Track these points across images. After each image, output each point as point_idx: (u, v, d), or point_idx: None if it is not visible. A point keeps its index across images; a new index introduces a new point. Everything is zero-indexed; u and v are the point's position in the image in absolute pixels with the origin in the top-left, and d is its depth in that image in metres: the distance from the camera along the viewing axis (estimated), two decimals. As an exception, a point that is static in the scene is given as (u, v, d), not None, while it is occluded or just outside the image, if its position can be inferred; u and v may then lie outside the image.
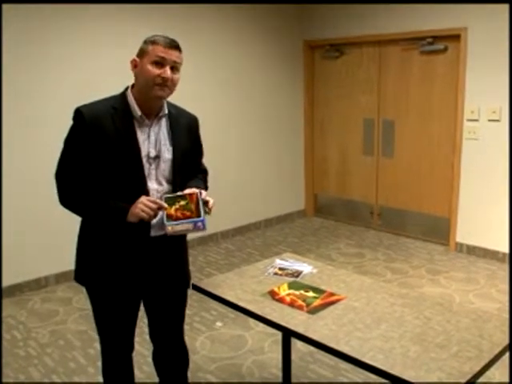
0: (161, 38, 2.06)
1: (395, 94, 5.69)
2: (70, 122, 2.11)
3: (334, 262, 5.05)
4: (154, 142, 2.14)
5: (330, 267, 2.71)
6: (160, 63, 2.03)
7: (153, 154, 2.14)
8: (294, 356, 3.22)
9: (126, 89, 2.16)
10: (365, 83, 5.93)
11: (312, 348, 2.00)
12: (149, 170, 2.13)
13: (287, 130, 6.36)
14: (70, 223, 4.57)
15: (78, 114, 2.06)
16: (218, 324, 3.83)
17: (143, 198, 2.06)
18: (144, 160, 2.11)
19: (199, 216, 2.06)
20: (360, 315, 2.13)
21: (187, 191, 2.13)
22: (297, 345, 3.40)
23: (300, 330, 2.02)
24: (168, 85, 2.06)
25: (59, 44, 4.36)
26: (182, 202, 2.07)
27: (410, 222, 5.82)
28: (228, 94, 5.66)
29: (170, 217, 2.05)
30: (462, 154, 5.14)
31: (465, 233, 5.26)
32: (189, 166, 2.28)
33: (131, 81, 2.15)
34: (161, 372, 2.53)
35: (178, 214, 2.06)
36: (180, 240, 2.32)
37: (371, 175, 6.09)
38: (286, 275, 2.54)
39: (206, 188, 2.36)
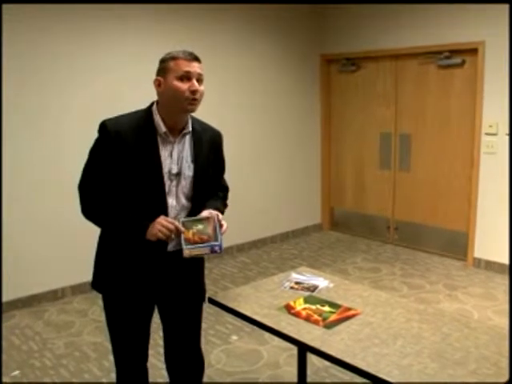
0: (180, 53, 2.07)
1: (412, 108, 5.67)
2: (91, 134, 2.13)
3: (351, 277, 5.02)
4: (177, 159, 2.15)
5: (346, 282, 2.70)
6: (186, 77, 2.04)
7: (174, 170, 2.14)
8: (309, 371, 3.19)
9: (152, 104, 2.17)
10: (381, 97, 5.93)
11: (327, 363, 1.98)
12: (169, 186, 2.14)
13: (303, 143, 6.36)
14: (88, 235, 4.59)
15: (103, 127, 2.08)
16: (234, 338, 3.81)
17: (161, 219, 2.07)
18: (165, 177, 2.12)
19: (216, 240, 2.09)
20: (376, 330, 2.11)
21: (205, 214, 2.15)
22: (312, 359, 3.37)
23: (316, 344, 2.01)
24: (197, 97, 2.07)
25: (71, 53, 4.43)
26: (200, 226, 2.10)
27: (427, 237, 5.77)
28: (243, 107, 5.68)
29: (187, 240, 2.08)
30: (479, 167, 5.09)
31: (483, 248, 5.19)
32: (209, 182, 2.28)
33: (148, 94, 2.17)
34: (175, 382, 2.51)
35: (196, 239, 2.09)
36: None
37: (388, 189, 6.06)
38: (302, 289, 2.53)
39: (224, 206, 2.38)
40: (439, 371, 1.80)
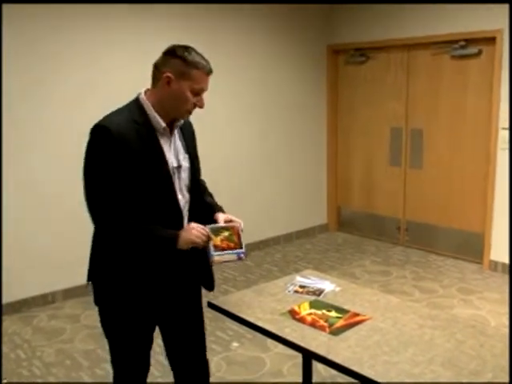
0: (202, 62, 2.09)
1: (424, 101, 5.67)
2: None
3: (359, 280, 5.02)
4: (174, 152, 2.20)
5: (353, 285, 2.70)
6: (198, 93, 2.11)
7: (175, 164, 2.19)
8: (314, 379, 3.18)
9: (138, 98, 2.15)
10: (392, 90, 5.92)
11: (334, 371, 1.98)
12: (173, 181, 2.18)
13: (309, 139, 6.36)
14: (79, 237, 4.61)
15: (106, 132, 2.01)
16: (235, 344, 3.82)
17: (195, 225, 2.13)
18: (171, 172, 2.16)
19: (241, 247, 2.20)
20: (386, 337, 2.11)
21: (222, 218, 2.26)
22: (318, 368, 3.37)
23: (322, 352, 2.01)
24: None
25: (61, 44, 4.44)
26: (226, 233, 2.20)
27: (440, 238, 5.76)
28: (244, 102, 5.68)
29: (215, 247, 2.15)
30: (496, 164, 5.09)
31: (500, 250, 5.18)
32: (199, 171, 2.38)
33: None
34: None
35: (224, 245, 2.17)
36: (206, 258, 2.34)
37: (398, 187, 6.05)
38: (307, 293, 2.53)
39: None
40: (453, 381, 1.80)
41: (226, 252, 2.15)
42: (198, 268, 2.35)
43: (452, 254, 5.65)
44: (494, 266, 5.23)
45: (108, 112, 2.13)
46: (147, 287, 2.18)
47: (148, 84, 2.16)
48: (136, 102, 2.15)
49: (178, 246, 2.09)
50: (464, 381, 1.79)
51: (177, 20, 4.99)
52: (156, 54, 2.15)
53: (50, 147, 4.42)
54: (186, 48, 2.11)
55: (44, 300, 4.54)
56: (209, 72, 2.12)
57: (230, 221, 2.29)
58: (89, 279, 2.26)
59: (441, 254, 5.73)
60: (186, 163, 2.23)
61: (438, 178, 5.67)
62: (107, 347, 3.77)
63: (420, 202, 5.88)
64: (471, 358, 1.94)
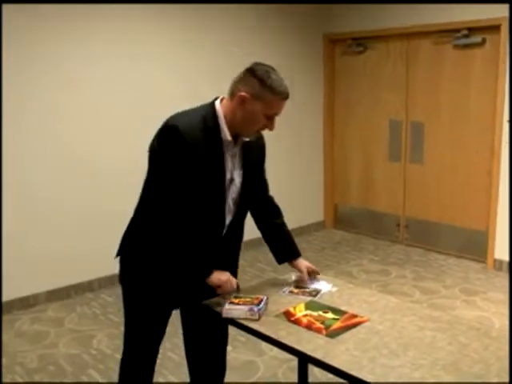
0: (280, 88, 2.17)
1: (425, 93, 5.66)
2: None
3: (356, 280, 5.02)
4: (231, 166, 2.30)
5: (351, 286, 2.69)
6: (271, 117, 2.21)
7: (228, 176, 2.30)
8: (310, 385, 3.19)
9: (214, 103, 2.26)
10: (391, 81, 5.92)
11: (331, 376, 1.97)
12: (226, 193, 2.31)
13: (304, 132, 6.35)
14: (62, 237, 4.59)
15: (176, 133, 2.11)
16: (227, 348, 3.80)
17: (233, 282, 2.36)
18: (226, 184, 2.29)
19: (258, 305, 2.28)
20: (385, 340, 2.10)
21: (307, 270, 2.60)
22: (314, 372, 3.36)
23: (318, 355, 2.00)
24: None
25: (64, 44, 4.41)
26: (248, 298, 2.34)
27: (441, 236, 5.77)
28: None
29: (231, 303, 2.31)
30: (501, 159, 5.09)
31: (504, 248, 5.19)
32: (255, 187, 2.50)
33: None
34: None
35: (240, 302, 2.31)
36: (235, 248, 2.54)
37: (398, 183, 6.06)
38: (303, 294, 2.52)
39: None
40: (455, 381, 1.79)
41: (238, 306, 2.27)
42: (225, 262, 2.45)
43: (454, 253, 5.66)
44: (499, 265, 5.24)
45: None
46: (174, 271, 2.30)
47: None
48: (211, 108, 2.25)
49: (207, 280, 2.28)
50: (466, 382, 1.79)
51: (170, 8, 4.97)
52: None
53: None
54: (268, 70, 2.18)
55: (26, 303, 4.51)
56: (286, 97, 2.20)
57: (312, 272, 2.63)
58: (118, 254, 2.39)
59: (442, 252, 5.74)
60: (238, 178, 2.34)
61: (440, 174, 5.67)
62: (93, 352, 3.80)
63: (421, 198, 5.89)
64: (475, 361, 1.94)
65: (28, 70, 4.32)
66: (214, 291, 2.42)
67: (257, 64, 2.22)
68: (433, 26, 5.38)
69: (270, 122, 2.22)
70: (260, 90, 2.15)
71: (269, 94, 2.15)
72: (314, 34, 6.22)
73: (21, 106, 4.31)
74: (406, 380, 1.82)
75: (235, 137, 2.28)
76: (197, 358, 2.65)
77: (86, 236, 4.72)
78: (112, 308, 4.48)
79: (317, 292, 2.54)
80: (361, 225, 6.50)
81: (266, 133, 2.40)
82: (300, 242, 6.37)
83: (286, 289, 2.58)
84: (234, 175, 2.32)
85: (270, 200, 2.68)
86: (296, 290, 2.55)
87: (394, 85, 5.91)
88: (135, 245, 2.34)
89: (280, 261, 2.62)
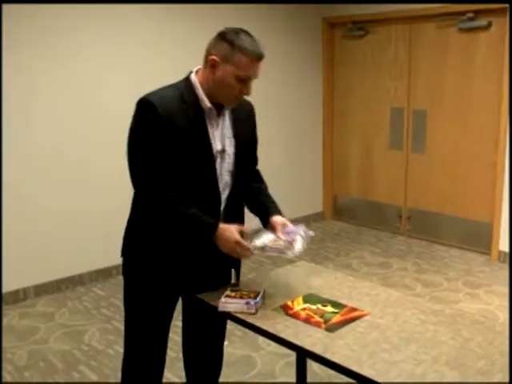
0: (251, 48, 2.16)
1: (428, 80, 5.66)
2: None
3: (357, 273, 5.03)
4: (220, 135, 2.30)
5: (351, 278, 2.69)
6: (244, 80, 2.19)
7: (219, 147, 2.29)
8: (309, 380, 3.19)
9: (189, 75, 2.27)
10: (393, 67, 5.90)
11: (331, 371, 1.98)
12: (215, 164, 2.29)
13: (303, 121, 6.34)
14: (52, 227, 4.59)
15: (149, 106, 2.14)
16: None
17: (241, 243, 2.20)
18: (214, 155, 2.27)
19: (255, 298, 2.29)
20: (386, 334, 2.11)
21: (282, 224, 2.36)
22: (313, 367, 3.38)
23: (317, 350, 2.00)
24: (244, 97, 2.26)
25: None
26: (244, 292, 2.35)
27: (444, 227, 5.79)
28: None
29: (227, 296, 2.32)
30: (506, 149, 5.09)
31: (509, 240, 5.21)
32: (249, 157, 2.50)
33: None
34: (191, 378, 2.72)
35: (237, 296, 2.32)
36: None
37: (399, 173, 6.06)
38: (279, 251, 2.32)
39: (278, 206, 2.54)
40: (459, 381, 1.80)
41: (234, 300, 2.28)
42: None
43: (457, 245, 5.68)
44: (503, 257, 5.25)
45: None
46: (176, 261, 2.32)
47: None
48: (186, 81, 2.27)
49: (214, 239, 2.21)
50: (471, 381, 1.80)
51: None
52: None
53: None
54: (238, 32, 2.17)
55: (15, 297, 4.51)
56: (257, 58, 2.18)
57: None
58: (122, 253, 2.41)
59: (445, 244, 5.76)
60: (231, 148, 2.33)
61: (443, 163, 5.68)
62: (84, 348, 3.81)
63: (423, 188, 5.89)
64: (478, 356, 1.94)
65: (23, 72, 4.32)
66: (216, 280, 2.45)
67: (226, 28, 2.21)
68: (437, 8, 5.36)
69: (244, 86, 2.20)
70: (229, 51, 2.14)
71: (238, 55, 2.13)
72: (312, 17, 6.20)
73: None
74: (408, 375, 1.83)
75: (221, 106, 2.28)
76: (193, 353, 2.65)
77: (76, 229, 4.72)
78: (104, 302, 4.48)
79: (290, 243, 2.32)
80: (361, 216, 6.51)
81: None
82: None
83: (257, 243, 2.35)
84: (226, 145, 2.31)
85: (257, 172, 2.66)
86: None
87: (395, 70, 5.89)
88: (136, 235, 2.35)
89: (264, 222, 2.45)
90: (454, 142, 5.56)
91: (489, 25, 5.10)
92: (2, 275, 4.31)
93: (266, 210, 2.47)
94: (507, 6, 4.84)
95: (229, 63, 2.14)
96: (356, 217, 6.56)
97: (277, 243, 2.30)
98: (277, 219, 2.39)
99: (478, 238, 5.53)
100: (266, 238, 2.31)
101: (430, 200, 5.85)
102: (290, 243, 2.29)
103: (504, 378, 1.81)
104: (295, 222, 2.47)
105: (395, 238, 6.04)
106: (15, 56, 4.26)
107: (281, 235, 2.32)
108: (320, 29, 6.30)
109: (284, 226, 2.37)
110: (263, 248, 2.27)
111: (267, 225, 2.42)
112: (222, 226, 2.22)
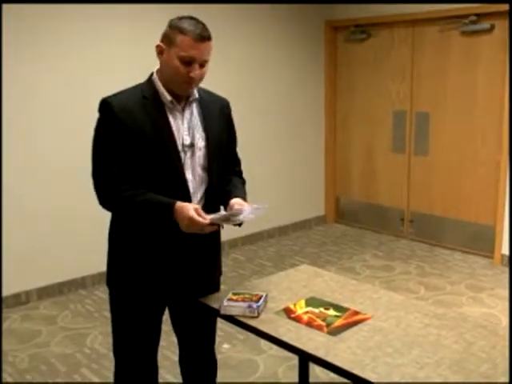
0: (190, 28, 2.12)
1: (431, 82, 5.65)
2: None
3: (359, 276, 5.03)
4: (188, 129, 2.28)
5: (353, 282, 2.69)
6: (188, 62, 2.14)
7: (187, 141, 2.27)
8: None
9: (152, 74, 2.28)
10: (396, 70, 5.91)
11: (333, 375, 1.98)
12: (185, 159, 2.26)
13: (305, 123, 6.34)
14: (55, 231, 4.59)
15: (106, 105, 2.18)
16: (225, 346, 3.82)
17: (193, 217, 2.10)
18: (180, 149, 2.25)
19: (257, 302, 2.30)
20: (389, 338, 2.10)
21: (235, 204, 2.29)
22: (315, 371, 3.37)
23: (319, 353, 2.00)
24: (195, 82, 2.20)
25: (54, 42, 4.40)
26: (247, 295, 2.37)
27: (447, 231, 5.78)
28: (237, 84, 5.64)
29: (229, 299, 2.34)
30: (510, 151, 5.09)
31: (509, 243, 5.19)
32: (224, 153, 2.44)
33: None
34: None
35: (239, 299, 2.34)
36: (215, 238, 2.51)
37: (402, 176, 6.05)
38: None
39: (245, 194, 2.50)
40: (462, 384, 1.80)
41: (237, 303, 2.29)
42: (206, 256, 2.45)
43: (460, 248, 5.67)
44: (506, 260, 5.24)
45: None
46: (159, 268, 2.31)
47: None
48: (149, 79, 2.28)
49: (175, 219, 2.14)
50: (473, 384, 1.80)
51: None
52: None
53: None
54: (181, 18, 2.18)
55: (17, 300, 4.52)
56: (198, 38, 2.12)
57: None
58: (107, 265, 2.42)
59: (448, 247, 5.75)
60: (201, 141, 2.30)
61: (446, 166, 5.67)
62: (86, 351, 3.81)
63: (426, 191, 5.89)
64: (482, 360, 1.94)
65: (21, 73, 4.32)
66: (202, 287, 2.44)
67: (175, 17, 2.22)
68: (439, 11, 5.36)
69: (190, 68, 2.14)
70: (171, 34, 2.14)
71: (178, 35, 2.12)
72: (315, 20, 6.20)
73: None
74: (411, 379, 1.83)
75: (187, 98, 2.28)
76: (185, 358, 2.63)
77: (78, 232, 4.72)
78: (106, 305, 4.46)
79: (241, 210, 2.27)
80: (363, 219, 6.50)
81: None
82: (301, 237, 6.42)
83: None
84: (195, 139, 2.28)
85: (238, 172, 2.60)
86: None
87: (398, 73, 5.89)
88: (117, 246, 2.37)
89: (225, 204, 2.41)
90: (456, 145, 5.55)
91: (491, 28, 5.10)
92: (1, 278, 4.30)
93: (227, 194, 2.41)
94: (508, 8, 4.84)
95: (172, 46, 2.14)
96: (358, 220, 6.55)
97: (228, 213, 2.27)
98: (235, 200, 2.34)
99: (480, 242, 5.52)
100: (221, 213, 2.31)
101: (433, 203, 5.85)
102: (241, 211, 2.24)
103: (507, 382, 1.81)
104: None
105: (398, 242, 6.04)
106: (15, 56, 4.27)
107: (234, 207, 2.30)
108: (323, 32, 6.30)
109: (241, 205, 2.32)
110: (216, 218, 2.20)
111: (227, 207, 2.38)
112: (180, 204, 2.15)
